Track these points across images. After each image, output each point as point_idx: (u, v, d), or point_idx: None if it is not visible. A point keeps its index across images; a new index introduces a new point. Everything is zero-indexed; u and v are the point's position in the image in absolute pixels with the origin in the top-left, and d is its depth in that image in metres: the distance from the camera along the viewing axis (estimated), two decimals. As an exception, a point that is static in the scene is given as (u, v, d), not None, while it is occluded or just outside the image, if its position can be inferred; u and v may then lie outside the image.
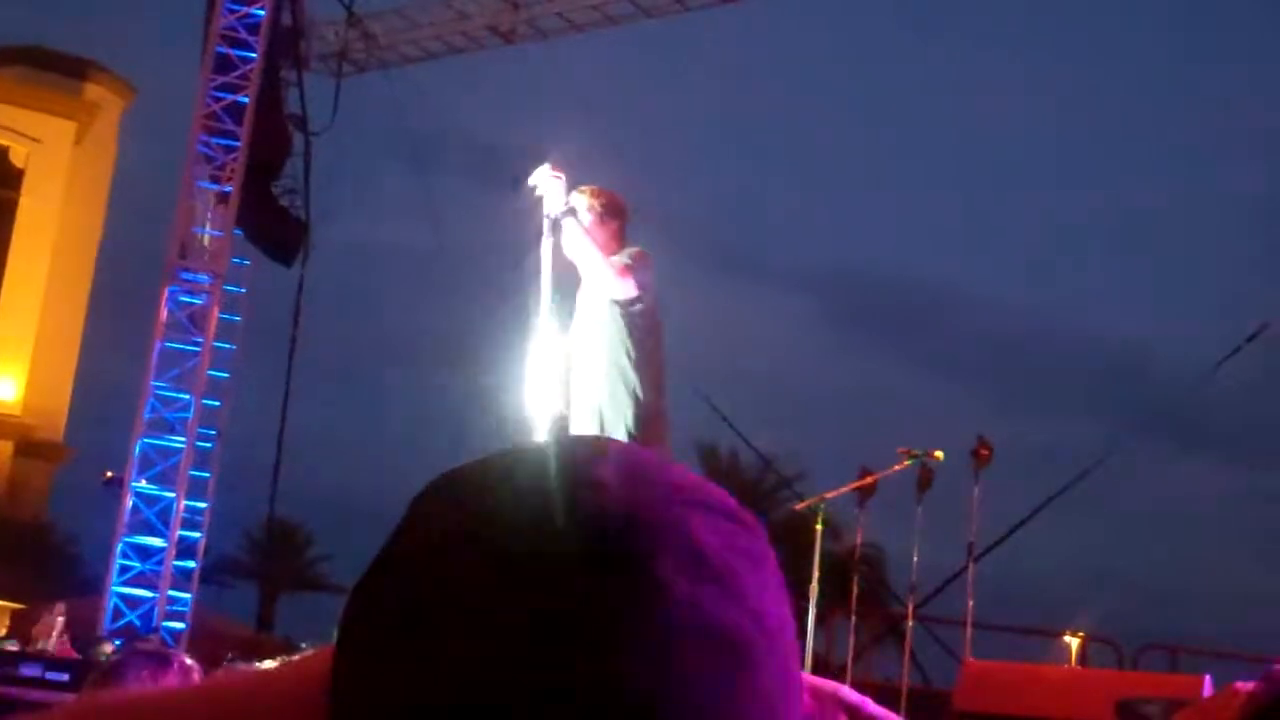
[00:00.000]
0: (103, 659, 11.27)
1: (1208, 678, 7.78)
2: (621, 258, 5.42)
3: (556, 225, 5.49)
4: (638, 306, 5.41)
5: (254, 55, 16.24)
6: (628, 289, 5.37)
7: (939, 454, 9.45)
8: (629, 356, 5.35)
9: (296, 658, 0.79)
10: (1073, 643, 14.89)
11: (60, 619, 12.98)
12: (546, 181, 5.51)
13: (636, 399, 5.31)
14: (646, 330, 5.44)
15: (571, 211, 5.48)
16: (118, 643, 12.29)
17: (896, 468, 9.34)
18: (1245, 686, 1.54)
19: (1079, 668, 10.43)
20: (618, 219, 5.63)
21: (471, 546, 0.63)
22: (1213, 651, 13.88)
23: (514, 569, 0.61)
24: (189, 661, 3.03)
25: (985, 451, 10.12)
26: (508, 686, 0.59)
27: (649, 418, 5.34)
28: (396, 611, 0.63)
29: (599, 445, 0.68)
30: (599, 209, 5.57)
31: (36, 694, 7.34)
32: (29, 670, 8.55)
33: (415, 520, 0.67)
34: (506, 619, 0.60)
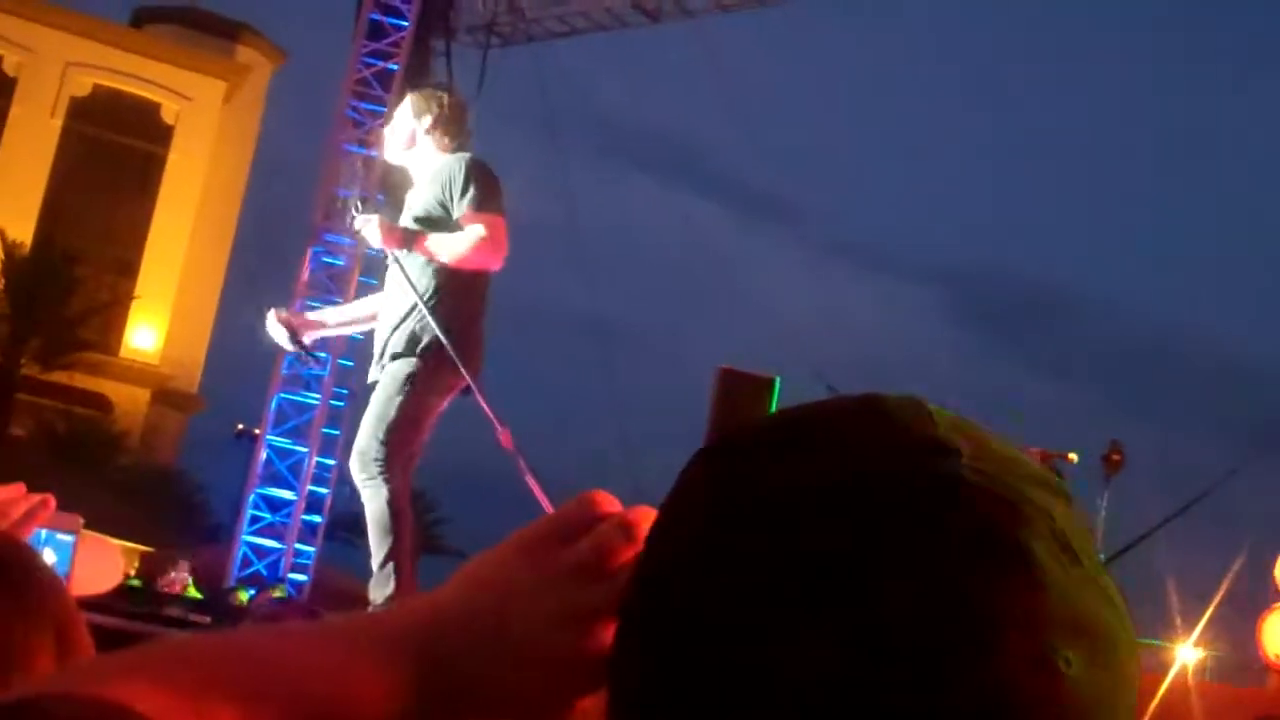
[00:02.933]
0: (238, 605, 11.64)
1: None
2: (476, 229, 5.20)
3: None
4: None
5: (406, 23, 16.53)
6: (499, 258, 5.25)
7: (1073, 456, 9.36)
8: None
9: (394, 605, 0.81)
10: (1193, 657, 14.52)
11: (186, 575, 13.37)
12: (368, 228, 5.23)
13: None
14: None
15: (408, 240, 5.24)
16: (251, 591, 12.67)
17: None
18: None
19: (1202, 682, 10.18)
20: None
21: (824, 512, 0.60)
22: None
23: (880, 551, 0.58)
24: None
25: (1117, 457, 9.99)
26: (869, 695, 0.56)
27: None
28: (741, 597, 0.60)
29: (932, 409, 0.64)
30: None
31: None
32: (174, 611, 8.89)
33: (725, 485, 0.64)
34: (878, 609, 0.57)
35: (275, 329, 5.39)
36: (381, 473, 5.18)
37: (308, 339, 5.50)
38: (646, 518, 0.70)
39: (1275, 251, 44.61)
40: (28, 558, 1.38)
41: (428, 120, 5.42)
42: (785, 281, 45.92)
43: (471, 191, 5.23)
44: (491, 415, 4.77)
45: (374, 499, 5.20)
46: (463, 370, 5.09)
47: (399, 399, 5.22)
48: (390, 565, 5.17)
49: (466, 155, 5.36)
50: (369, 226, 5.24)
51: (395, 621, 0.73)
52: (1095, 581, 0.60)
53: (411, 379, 5.19)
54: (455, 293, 5.30)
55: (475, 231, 5.23)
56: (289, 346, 5.43)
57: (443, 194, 5.31)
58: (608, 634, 0.68)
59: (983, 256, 47.98)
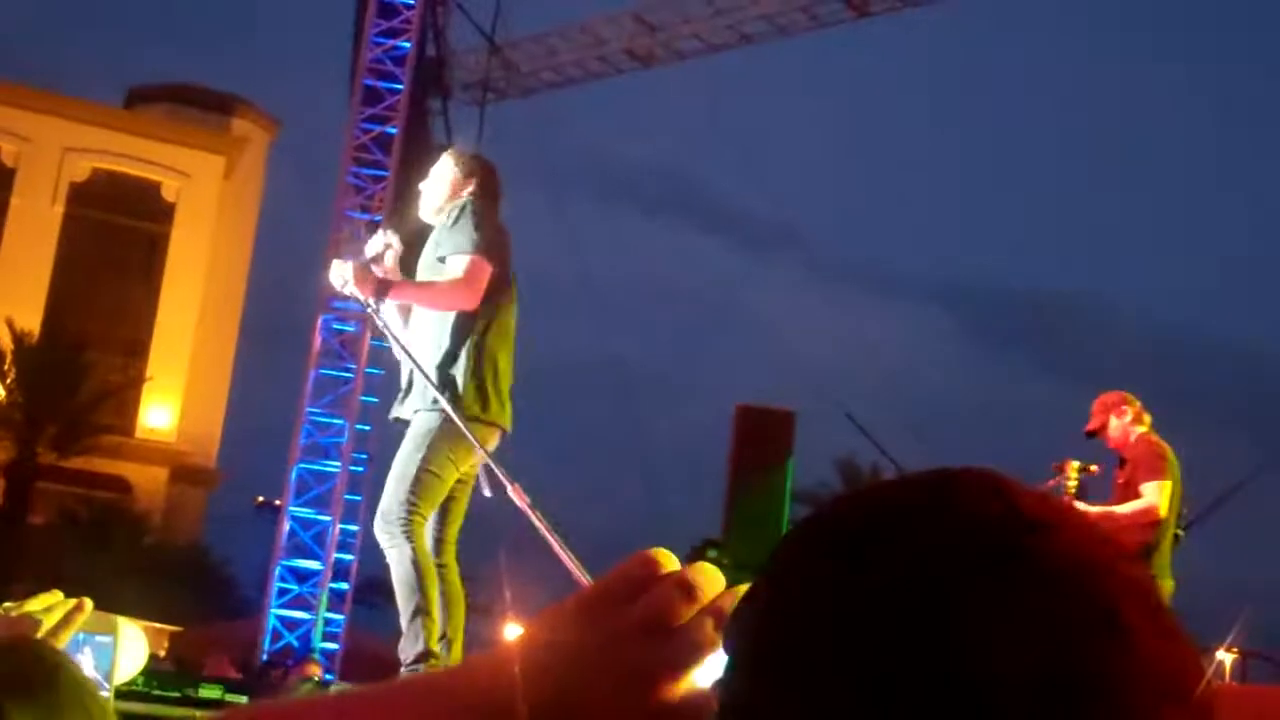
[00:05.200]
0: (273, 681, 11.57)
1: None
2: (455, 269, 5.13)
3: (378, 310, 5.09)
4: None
5: (401, 86, 16.61)
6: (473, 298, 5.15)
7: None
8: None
9: (458, 666, 0.82)
10: (1227, 659, 14.46)
11: (226, 664, 13.38)
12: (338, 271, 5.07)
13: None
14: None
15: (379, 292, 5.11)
16: (288, 663, 12.61)
17: (1053, 482, 9.17)
18: None
19: (1234, 684, 10.07)
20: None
21: (918, 596, 0.60)
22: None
23: (997, 631, 0.58)
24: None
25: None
26: None
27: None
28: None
29: (1020, 484, 0.65)
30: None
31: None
32: (211, 693, 8.83)
33: (824, 582, 0.63)
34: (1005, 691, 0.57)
35: (342, 269, 5.20)
36: (404, 531, 5.15)
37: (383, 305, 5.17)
38: (707, 577, 0.72)
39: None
40: (58, 666, 1.36)
41: (474, 183, 5.43)
42: (793, 309, 46.00)
43: (457, 229, 5.22)
44: (499, 472, 4.72)
45: (398, 559, 5.18)
46: (469, 434, 5.01)
47: (419, 456, 5.18)
48: (419, 622, 5.14)
49: (468, 200, 5.34)
50: (340, 270, 5.16)
51: (470, 685, 0.73)
52: (1185, 644, 0.61)
53: (432, 435, 5.15)
54: (477, 344, 5.26)
55: (450, 273, 5.20)
56: (358, 295, 5.07)
57: (438, 235, 5.32)
58: (671, 692, 0.69)
59: (987, 269, 48.06)
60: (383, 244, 5.28)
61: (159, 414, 31.48)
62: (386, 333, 5.19)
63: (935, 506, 0.63)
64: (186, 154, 32.34)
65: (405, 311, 5.43)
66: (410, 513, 5.15)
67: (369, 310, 5.17)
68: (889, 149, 46.60)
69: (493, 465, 4.87)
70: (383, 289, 5.13)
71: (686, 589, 0.72)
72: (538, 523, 4.86)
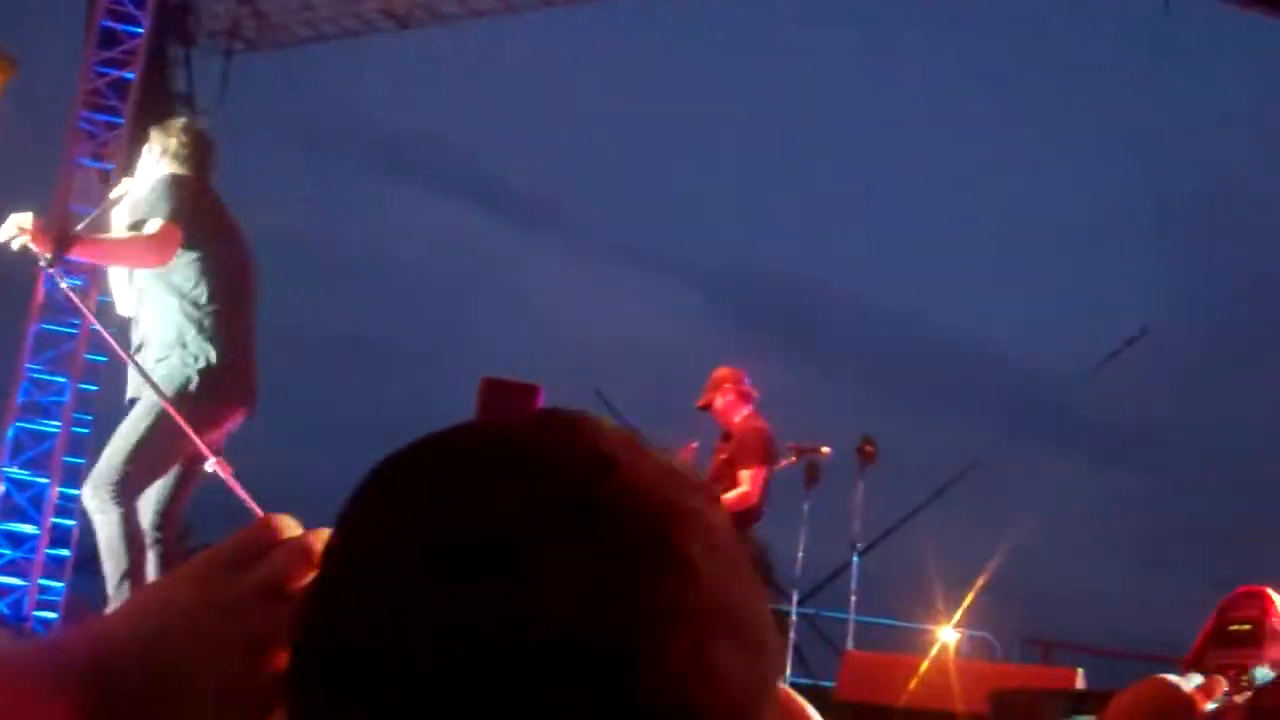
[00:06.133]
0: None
1: (1080, 671, 8.02)
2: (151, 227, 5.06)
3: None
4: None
5: (140, 30, 15.87)
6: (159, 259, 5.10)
7: (825, 450, 9.55)
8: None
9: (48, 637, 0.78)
10: (952, 637, 15.24)
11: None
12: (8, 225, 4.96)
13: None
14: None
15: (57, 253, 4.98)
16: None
17: (785, 463, 9.43)
18: (1177, 680, 1.55)
19: (958, 659, 10.63)
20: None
21: (491, 544, 0.60)
22: (1082, 647, 14.26)
23: (542, 555, 0.59)
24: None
25: (870, 449, 10.26)
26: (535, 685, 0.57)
27: None
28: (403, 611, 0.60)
29: (602, 425, 0.67)
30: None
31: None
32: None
33: (394, 508, 0.64)
34: (541, 612, 0.58)
35: (19, 219, 4.95)
36: (114, 498, 5.04)
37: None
38: (325, 540, 0.70)
39: (1020, 244, 46.99)
40: None
41: (181, 154, 5.41)
42: (553, 285, 46.07)
43: (154, 196, 5.18)
44: (200, 444, 4.62)
45: (105, 525, 5.09)
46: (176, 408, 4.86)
47: (143, 425, 5.05)
48: (124, 587, 5.07)
49: (167, 172, 5.34)
50: (16, 220, 4.94)
51: (68, 649, 0.69)
52: (745, 577, 0.64)
53: (160, 407, 5.00)
54: (211, 318, 5.18)
55: (139, 230, 5.13)
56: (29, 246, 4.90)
57: (136, 203, 5.27)
58: (284, 658, 0.68)
59: (741, 255, 49.17)
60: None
61: None
62: (75, 301, 5.10)
63: (509, 452, 0.63)
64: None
65: (139, 290, 5.31)
66: (122, 481, 5.03)
67: (45, 268, 4.97)
68: (652, 129, 47.17)
69: (195, 440, 4.74)
70: (63, 243, 4.94)
71: (305, 553, 0.70)
72: (243, 496, 4.74)
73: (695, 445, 8.15)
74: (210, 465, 4.66)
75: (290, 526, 0.73)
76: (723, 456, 8.19)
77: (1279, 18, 13.84)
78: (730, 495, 7.75)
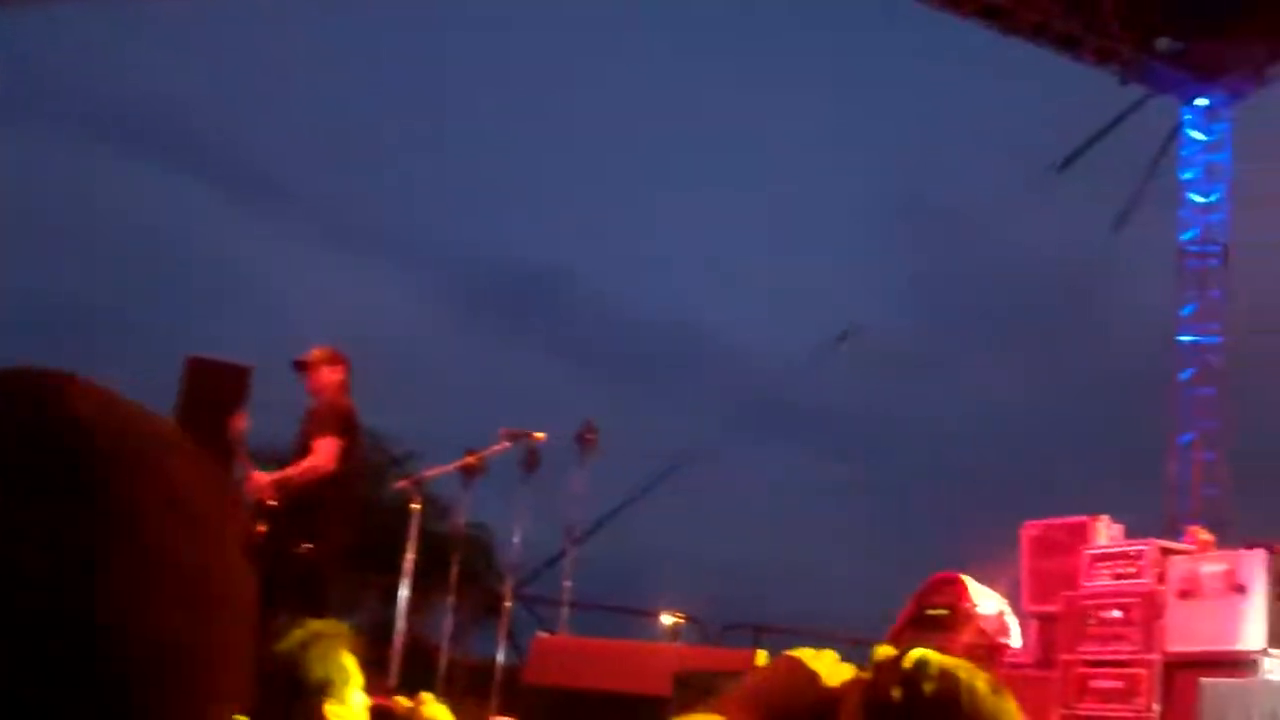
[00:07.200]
0: None
1: (762, 651, 8.31)
2: None
3: None
4: None
5: None
6: None
7: (540, 435, 9.57)
8: None
9: None
10: (668, 622, 15.56)
11: None
12: None
13: None
14: None
15: None
16: None
17: (498, 448, 9.42)
18: (797, 655, 1.72)
19: (644, 642, 10.83)
20: None
21: None
22: (791, 630, 14.65)
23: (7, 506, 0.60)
24: None
25: (591, 436, 10.33)
26: None
27: None
28: None
29: (67, 378, 0.67)
30: None
31: None
32: None
33: None
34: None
35: None
36: None
37: None
38: None
39: (757, 243, 48.13)
40: None
41: None
42: (280, 265, 44.83)
43: None
44: None
45: None
46: None
47: None
48: None
49: None
50: None
51: None
52: (208, 537, 0.64)
53: None
54: None
55: None
56: None
57: None
58: None
59: (475, 239, 48.87)
60: None
61: None
62: None
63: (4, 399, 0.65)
64: None
65: None
66: None
67: None
68: (381, 112, 46.38)
69: None
70: None
71: None
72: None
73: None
74: None
75: None
76: (303, 430, 8.18)
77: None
78: (302, 465, 7.73)
